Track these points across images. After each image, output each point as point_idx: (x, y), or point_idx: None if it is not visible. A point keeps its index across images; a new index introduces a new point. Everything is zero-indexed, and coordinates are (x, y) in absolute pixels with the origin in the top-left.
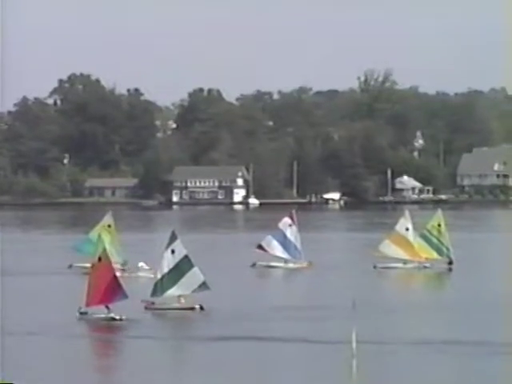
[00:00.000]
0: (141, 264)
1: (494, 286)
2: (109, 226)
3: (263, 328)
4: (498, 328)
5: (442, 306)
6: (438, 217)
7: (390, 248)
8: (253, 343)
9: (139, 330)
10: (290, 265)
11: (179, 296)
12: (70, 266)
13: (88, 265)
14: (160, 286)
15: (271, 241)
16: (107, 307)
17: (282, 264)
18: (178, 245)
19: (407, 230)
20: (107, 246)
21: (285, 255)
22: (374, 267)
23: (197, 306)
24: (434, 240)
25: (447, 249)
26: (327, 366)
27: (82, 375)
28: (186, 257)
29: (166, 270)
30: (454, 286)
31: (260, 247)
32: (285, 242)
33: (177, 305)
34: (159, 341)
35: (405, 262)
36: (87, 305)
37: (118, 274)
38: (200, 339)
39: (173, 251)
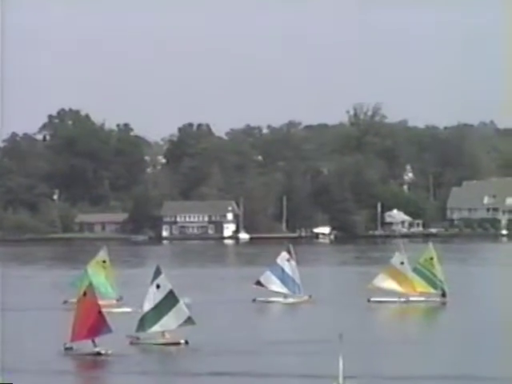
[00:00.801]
0: (186, 300)
1: (490, 318)
2: (104, 261)
3: (247, 363)
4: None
5: (435, 340)
6: (430, 250)
7: (384, 282)
8: (233, 379)
9: (124, 365)
10: (290, 299)
11: (163, 331)
12: (65, 302)
13: None
14: (145, 321)
15: (270, 276)
16: (93, 342)
17: (281, 299)
18: (162, 279)
19: (402, 263)
20: (102, 281)
21: (284, 290)
22: (368, 301)
23: (182, 341)
24: (428, 273)
25: (440, 281)
26: None
27: None
28: (171, 292)
29: (151, 304)
30: (449, 320)
31: (258, 283)
32: (283, 277)
33: (162, 340)
34: (144, 376)
35: (399, 296)
36: (72, 340)
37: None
38: (184, 374)
39: (158, 286)
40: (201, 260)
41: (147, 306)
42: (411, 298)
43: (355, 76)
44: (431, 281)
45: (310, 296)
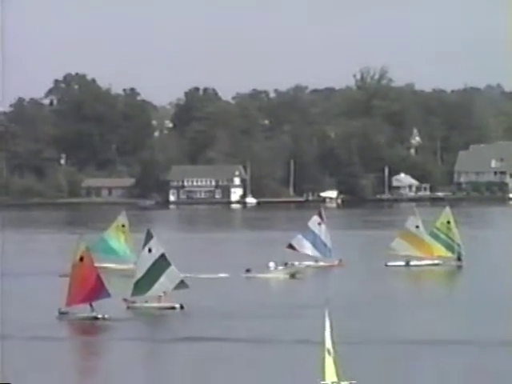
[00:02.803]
0: (271, 264)
1: (506, 281)
2: (123, 225)
3: (244, 328)
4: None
5: (452, 304)
6: (447, 214)
7: (402, 246)
8: (225, 344)
9: (120, 330)
10: (321, 263)
11: (164, 293)
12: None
13: (104, 264)
14: (140, 285)
15: (301, 240)
16: (91, 306)
17: (312, 263)
18: (154, 243)
19: (417, 227)
20: (122, 245)
21: (316, 253)
22: (385, 265)
23: (177, 305)
24: (444, 237)
25: (458, 245)
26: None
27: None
28: (162, 255)
29: (144, 269)
30: (466, 283)
31: (290, 246)
32: (315, 241)
33: (157, 304)
34: (140, 342)
35: (417, 260)
36: (68, 304)
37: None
38: (177, 340)
39: (150, 250)
40: (208, 224)
41: (140, 270)
42: (428, 262)
43: (362, 40)
44: (449, 245)
45: (341, 260)
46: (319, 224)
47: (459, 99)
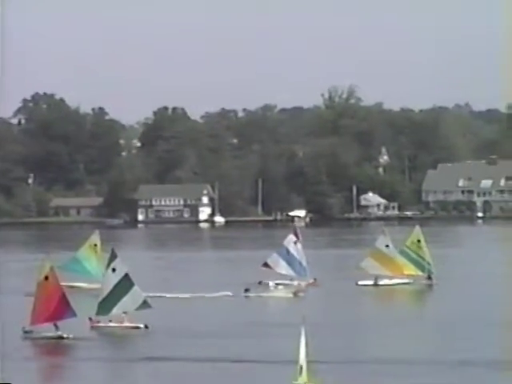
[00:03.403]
0: (271, 283)
1: (478, 300)
2: (95, 245)
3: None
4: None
5: (422, 323)
6: (417, 233)
7: (371, 265)
8: (190, 364)
9: (84, 350)
10: (296, 282)
11: (124, 313)
12: None
13: (76, 284)
14: (104, 305)
15: (277, 258)
16: (55, 325)
17: (287, 282)
18: (118, 263)
19: (387, 246)
20: (93, 265)
21: (290, 273)
22: (356, 284)
23: (141, 325)
24: (415, 256)
25: (429, 264)
26: None
27: None
28: (126, 275)
29: (109, 288)
30: (436, 302)
31: (266, 265)
32: (290, 260)
33: (122, 324)
34: (104, 362)
35: (376, 278)
36: (32, 323)
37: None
38: (141, 359)
39: (113, 269)
40: (177, 243)
41: (105, 290)
42: (398, 281)
43: (329, 59)
44: (419, 263)
45: (315, 279)
46: (295, 243)
47: (427, 118)
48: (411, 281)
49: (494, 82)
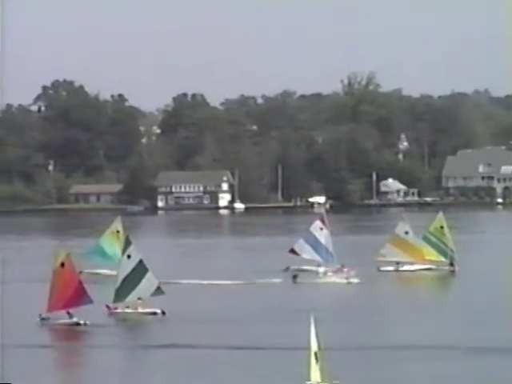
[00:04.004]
0: (320, 269)
1: (500, 286)
2: (117, 231)
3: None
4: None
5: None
6: (440, 219)
7: (391, 251)
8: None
9: (101, 337)
10: (322, 268)
11: (139, 299)
12: (80, 272)
13: (99, 271)
14: (121, 292)
15: (303, 244)
16: (68, 313)
17: (314, 268)
18: (133, 250)
19: (407, 233)
20: (116, 251)
21: (316, 258)
22: (378, 270)
23: (158, 311)
24: (437, 242)
25: (451, 250)
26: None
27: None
28: (140, 262)
29: (124, 275)
30: (458, 288)
31: (292, 251)
32: (316, 246)
33: (139, 310)
34: (120, 349)
35: (398, 264)
36: (49, 310)
37: None
38: (158, 346)
39: (129, 256)
40: (198, 230)
41: (121, 276)
42: (420, 267)
43: (349, 45)
44: (441, 249)
45: (343, 265)
46: (321, 229)
47: (447, 104)
48: (433, 267)
49: None
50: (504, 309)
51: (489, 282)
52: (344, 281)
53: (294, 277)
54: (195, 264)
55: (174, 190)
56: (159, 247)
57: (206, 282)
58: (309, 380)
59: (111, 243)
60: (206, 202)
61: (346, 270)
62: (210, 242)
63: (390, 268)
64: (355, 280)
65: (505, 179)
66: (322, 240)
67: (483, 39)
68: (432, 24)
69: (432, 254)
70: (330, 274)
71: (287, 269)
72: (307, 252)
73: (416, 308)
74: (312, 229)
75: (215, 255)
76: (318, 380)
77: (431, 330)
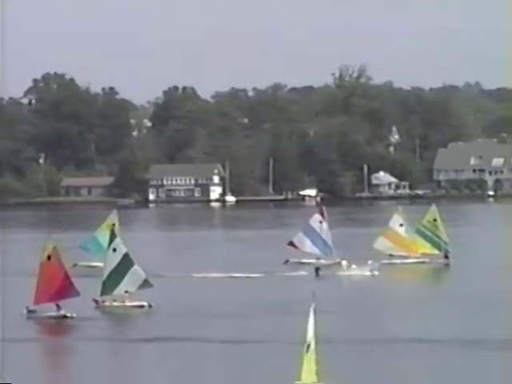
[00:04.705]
0: (344, 262)
1: (496, 279)
2: (113, 225)
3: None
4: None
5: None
6: (433, 212)
7: (384, 244)
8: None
9: (88, 330)
10: (322, 261)
11: (126, 292)
12: (75, 265)
13: (93, 263)
14: (107, 285)
15: (302, 237)
16: (57, 305)
17: (314, 260)
18: (118, 243)
19: (401, 225)
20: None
21: (316, 252)
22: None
23: (145, 304)
24: (431, 235)
25: (445, 243)
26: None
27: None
28: (126, 255)
29: (110, 268)
30: (453, 281)
31: (291, 244)
32: (316, 239)
33: (125, 303)
34: (107, 342)
35: (401, 258)
36: (36, 303)
37: None
38: (145, 340)
39: (114, 249)
40: (190, 223)
41: (107, 269)
42: (414, 260)
43: (340, 38)
44: (435, 242)
45: (342, 258)
46: (320, 222)
47: (438, 97)
48: (427, 260)
49: (504, 60)
50: (500, 300)
51: (483, 275)
52: (369, 273)
53: (317, 270)
54: (196, 257)
55: (165, 182)
56: (152, 240)
57: (225, 275)
58: (299, 380)
59: (107, 236)
60: (197, 194)
61: (370, 262)
62: (203, 234)
63: (384, 261)
64: (377, 272)
65: (496, 172)
66: (322, 233)
67: (474, 32)
68: (423, 16)
69: (426, 247)
70: (353, 266)
71: (287, 262)
72: (306, 245)
73: (415, 301)
74: (311, 222)
75: (210, 248)
76: (312, 377)
77: (430, 323)
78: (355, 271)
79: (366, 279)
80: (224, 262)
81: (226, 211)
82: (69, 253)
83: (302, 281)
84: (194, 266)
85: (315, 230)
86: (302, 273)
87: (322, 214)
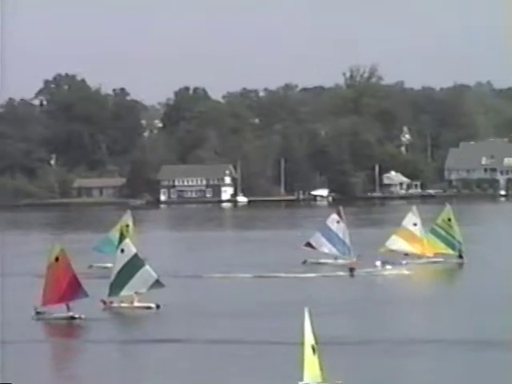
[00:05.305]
0: (378, 262)
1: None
2: (127, 225)
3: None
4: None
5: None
6: (448, 211)
7: (398, 244)
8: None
9: (96, 331)
10: (340, 261)
11: (136, 293)
12: (91, 267)
13: (108, 265)
14: (115, 286)
15: (320, 238)
16: (67, 306)
17: (331, 260)
18: (126, 244)
19: (415, 225)
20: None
21: (333, 252)
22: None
23: (153, 305)
24: (445, 234)
25: (459, 243)
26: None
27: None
28: (135, 255)
29: (117, 269)
30: (468, 281)
31: (308, 244)
32: (333, 239)
33: (133, 304)
34: (114, 344)
35: (414, 257)
36: (44, 304)
37: None
38: (152, 341)
39: (122, 250)
40: (203, 224)
41: (115, 270)
42: (427, 260)
43: (351, 38)
44: (449, 242)
45: (359, 256)
46: (338, 222)
47: (449, 97)
48: (441, 259)
49: None
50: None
51: (498, 275)
52: (406, 272)
53: (351, 270)
54: (214, 257)
55: (176, 183)
56: (164, 241)
57: (265, 274)
58: (301, 380)
59: None
60: (208, 195)
61: (404, 262)
62: (219, 234)
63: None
64: (409, 272)
65: (507, 171)
66: (339, 233)
67: (485, 31)
68: (434, 16)
69: (440, 247)
70: (388, 266)
71: (305, 262)
72: (324, 245)
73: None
74: (328, 222)
75: (228, 248)
76: (315, 377)
77: (442, 323)
78: (391, 271)
79: (401, 279)
80: (246, 262)
81: (238, 212)
82: (84, 254)
83: (340, 281)
84: (217, 265)
85: (332, 230)
86: (340, 273)
87: (339, 213)
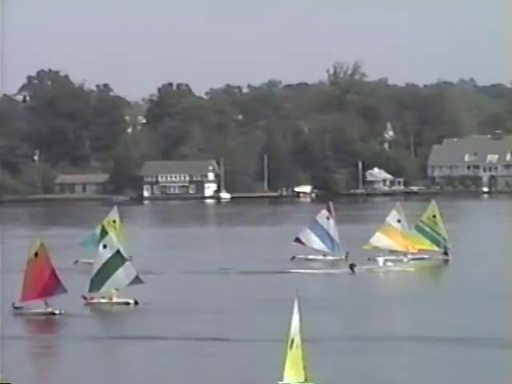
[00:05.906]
0: (380, 259)
1: (497, 275)
2: (114, 221)
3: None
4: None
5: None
6: (433, 208)
7: (382, 241)
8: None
9: (75, 327)
10: (329, 257)
11: (116, 289)
12: (76, 262)
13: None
14: (96, 281)
15: (309, 234)
16: (45, 302)
17: (320, 257)
18: (109, 239)
19: (399, 221)
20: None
21: (322, 248)
22: (369, 259)
23: (131, 301)
24: (430, 231)
25: (444, 239)
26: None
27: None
28: (118, 251)
29: (99, 264)
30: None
31: (298, 240)
32: (322, 235)
33: (113, 300)
34: (93, 341)
35: (399, 254)
36: (23, 300)
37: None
38: (129, 338)
39: (104, 246)
40: (188, 220)
41: (96, 266)
42: (412, 256)
43: (335, 35)
44: (434, 239)
45: (347, 253)
46: (327, 218)
47: (432, 94)
48: (427, 256)
49: (498, 57)
50: (501, 296)
51: (483, 271)
52: (411, 269)
53: (352, 266)
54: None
55: (159, 179)
56: (146, 237)
57: (251, 270)
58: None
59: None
60: (191, 191)
61: (405, 259)
62: (205, 230)
63: (381, 257)
64: (412, 269)
65: (490, 168)
66: (329, 230)
67: (469, 28)
68: (418, 13)
69: (425, 244)
70: (389, 263)
71: (293, 258)
72: (314, 242)
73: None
74: (318, 218)
75: (215, 245)
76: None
77: (426, 320)
78: (392, 267)
79: (404, 275)
80: (241, 258)
81: (221, 208)
82: (70, 250)
83: (344, 278)
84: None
85: (322, 227)
86: (343, 270)
87: (329, 210)
